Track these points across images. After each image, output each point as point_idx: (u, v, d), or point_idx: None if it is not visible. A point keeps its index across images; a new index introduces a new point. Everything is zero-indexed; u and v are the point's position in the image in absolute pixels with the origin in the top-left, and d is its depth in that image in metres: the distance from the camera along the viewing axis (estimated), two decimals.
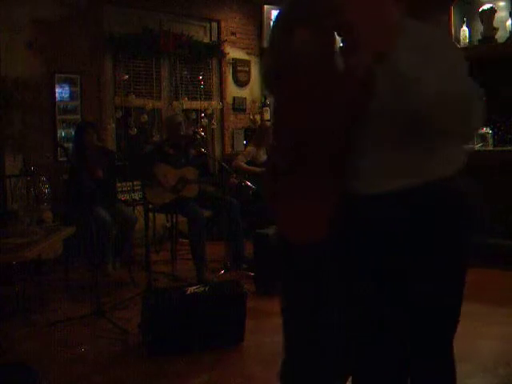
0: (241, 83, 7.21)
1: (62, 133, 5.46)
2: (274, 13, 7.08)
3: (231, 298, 3.25)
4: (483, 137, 5.17)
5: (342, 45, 1.48)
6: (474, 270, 4.84)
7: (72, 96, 5.53)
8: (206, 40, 6.85)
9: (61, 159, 5.27)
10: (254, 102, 7.34)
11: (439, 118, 1.33)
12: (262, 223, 4.56)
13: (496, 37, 5.45)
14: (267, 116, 7.06)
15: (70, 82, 5.50)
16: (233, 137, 7.15)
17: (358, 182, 1.45)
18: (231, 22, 7.05)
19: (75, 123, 5.40)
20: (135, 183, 5.71)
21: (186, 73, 6.64)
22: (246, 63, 7.24)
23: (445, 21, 5.48)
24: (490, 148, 5.13)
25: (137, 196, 5.72)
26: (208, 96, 6.89)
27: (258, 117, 7.23)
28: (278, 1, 6.55)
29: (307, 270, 1.57)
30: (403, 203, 1.42)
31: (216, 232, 5.63)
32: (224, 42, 6.91)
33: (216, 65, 6.97)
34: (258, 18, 7.24)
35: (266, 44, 6.90)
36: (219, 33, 6.94)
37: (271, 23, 6.53)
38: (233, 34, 7.06)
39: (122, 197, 5.53)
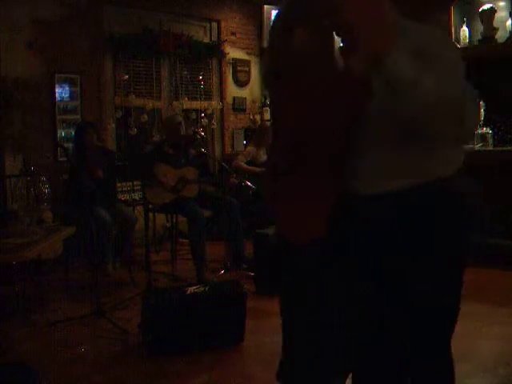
0: (241, 83, 7.21)
1: (62, 133, 5.46)
2: (274, 13, 7.07)
3: (231, 298, 3.25)
4: (483, 137, 5.17)
5: (341, 45, 1.48)
6: (474, 270, 4.84)
7: (72, 96, 5.53)
8: (206, 40, 6.85)
9: (61, 159, 5.27)
10: (254, 101, 7.34)
11: (435, 121, 1.34)
12: (262, 223, 4.56)
13: (496, 37, 5.45)
14: (267, 116, 7.06)
15: (70, 82, 5.50)
16: (233, 137, 7.15)
17: (357, 182, 1.45)
18: (231, 22, 7.05)
19: (75, 123, 5.40)
20: (135, 183, 5.71)
21: (185, 73, 6.64)
22: (246, 63, 7.24)
23: (444, 21, 5.49)
24: (490, 148, 5.12)
25: (137, 196, 5.72)
26: (208, 96, 6.89)
27: (257, 117, 7.23)
28: (277, 1, 6.54)
29: (306, 269, 1.57)
30: (402, 203, 1.42)
31: (216, 232, 5.63)
32: (224, 42, 6.91)
33: (216, 65, 6.97)
34: (258, 18, 7.25)
35: (265, 44, 6.90)
36: (219, 33, 6.94)
37: (271, 23, 6.52)
38: (233, 34, 7.06)
39: (121, 197, 5.53)
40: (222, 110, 7.01)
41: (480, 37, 5.54)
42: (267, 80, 1.77)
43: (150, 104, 6.22)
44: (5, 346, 3.24)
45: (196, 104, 6.74)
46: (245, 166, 5.51)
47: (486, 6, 5.47)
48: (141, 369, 2.97)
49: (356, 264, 1.50)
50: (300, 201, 1.52)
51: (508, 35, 5.41)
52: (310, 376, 1.58)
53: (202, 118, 6.79)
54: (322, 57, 1.42)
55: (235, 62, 7.11)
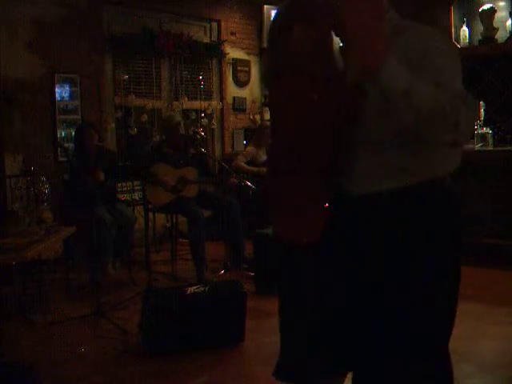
0: (241, 83, 7.21)
1: (62, 133, 5.46)
2: (274, 13, 7.07)
3: (231, 298, 3.25)
4: (483, 137, 5.17)
5: (341, 44, 1.49)
6: (474, 270, 4.85)
7: (72, 96, 5.53)
8: (206, 40, 6.85)
9: (61, 159, 5.27)
10: (253, 101, 7.34)
11: (428, 129, 1.35)
12: (262, 223, 4.56)
13: (496, 37, 5.45)
14: (267, 116, 7.06)
15: (70, 82, 5.50)
16: (233, 137, 7.15)
17: (351, 182, 1.46)
18: (231, 22, 7.05)
19: (75, 123, 5.41)
20: (135, 183, 5.72)
21: (185, 73, 6.64)
22: (246, 63, 7.24)
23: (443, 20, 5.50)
24: (490, 148, 5.12)
25: (137, 196, 5.73)
26: (208, 96, 6.89)
27: (257, 117, 7.24)
28: (278, 1, 6.55)
29: (303, 269, 1.58)
30: (395, 203, 1.43)
31: (216, 232, 5.63)
32: (224, 41, 6.91)
33: (216, 65, 6.97)
34: (258, 18, 7.25)
35: (265, 44, 6.90)
36: (219, 33, 6.94)
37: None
38: (233, 34, 7.06)
39: (121, 197, 5.53)
40: (221, 110, 7.02)
41: (480, 37, 5.55)
42: (267, 80, 1.77)
43: (150, 104, 6.23)
44: (5, 346, 3.24)
45: (196, 104, 6.74)
46: (245, 166, 5.51)
47: (486, 6, 5.47)
48: (141, 369, 2.98)
49: (350, 262, 1.50)
50: (294, 201, 1.52)
51: (508, 35, 5.41)
52: (307, 373, 1.58)
53: (202, 117, 6.79)
54: (320, 57, 1.42)
55: (235, 62, 7.11)
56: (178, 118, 5.10)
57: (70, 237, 3.85)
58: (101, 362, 3.07)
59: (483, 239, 4.74)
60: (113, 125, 5.97)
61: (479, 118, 5.35)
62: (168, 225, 5.67)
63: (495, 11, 5.43)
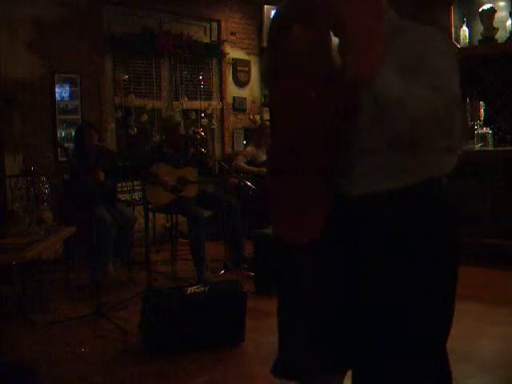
0: (241, 83, 7.21)
1: (62, 133, 5.46)
2: (273, 12, 7.08)
3: (231, 298, 3.25)
4: (483, 137, 5.18)
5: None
6: (474, 270, 4.85)
7: (72, 96, 5.53)
8: (206, 40, 6.85)
9: (61, 159, 5.27)
10: (253, 101, 7.34)
11: (423, 136, 1.36)
12: (262, 223, 4.56)
13: (496, 37, 5.45)
14: (267, 116, 7.07)
15: (70, 82, 5.50)
16: (233, 137, 7.15)
17: (351, 183, 1.47)
18: (231, 22, 7.05)
19: (75, 123, 5.41)
20: (135, 183, 5.72)
21: (185, 73, 6.64)
22: (246, 63, 7.24)
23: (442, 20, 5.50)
24: (490, 148, 5.13)
25: (137, 196, 5.73)
26: (208, 96, 6.89)
27: (257, 117, 7.24)
28: (277, 1, 6.55)
29: (303, 269, 1.58)
30: (394, 203, 1.44)
31: (216, 232, 5.63)
32: (224, 41, 6.91)
33: (216, 65, 6.97)
34: (258, 18, 7.25)
35: (265, 43, 6.91)
36: (219, 33, 6.94)
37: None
38: (233, 34, 7.06)
39: (121, 197, 5.53)
40: (221, 110, 7.02)
41: (480, 37, 5.54)
42: (266, 79, 1.77)
43: (149, 104, 6.23)
44: (5, 346, 3.24)
45: (196, 104, 6.74)
46: (245, 166, 5.51)
47: (486, 6, 5.47)
48: (141, 369, 2.98)
49: (349, 262, 1.51)
50: (293, 201, 1.53)
51: (508, 35, 5.41)
52: (303, 369, 1.59)
53: (202, 117, 6.79)
54: (319, 57, 1.42)
55: (235, 62, 7.11)
56: (178, 118, 5.09)
57: (70, 237, 3.85)
58: (101, 361, 3.07)
59: (483, 239, 4.74)
60: (113, 125, 5.97)
61: (479, 118, 5.35)
62: (168, 225, 5.67)
63: (495, 11, 5.43)
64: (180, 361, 3.03)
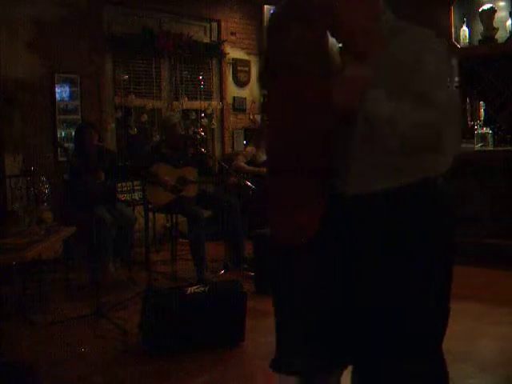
0: (241, 83, 7.21)
1: (62, 133, 5.46)
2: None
3: (231, 298, 3.25)
4: (483, 137, 5.18)
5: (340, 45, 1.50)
6: (474, 270, 4.84)
7: (72, 96, 5.53)
8: (206, 40, 6.85)
9: (61, 159, 5.27)
10: (253, 102, 7.34)
11: (415, 148, 1.37)
12: (262, 223, 4.55)
13: (496, 37, 5.45)
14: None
15: (70, 82, 5.50)
16: (233, 137, 7.15)
17: (346, 183, 1.47)
18: (231, 22, 7.05)
19: (75, 123, 5.41)
20: (135, 183, 5.72)
21: (185, 73, 6.65)
22: (246, 63, 7.25)
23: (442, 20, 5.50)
24: (490, 148, 5.13)
25: (137, 196, 5.73)
26: (208, 96, 6.89)
27: (257, 117, 7.24)
28: (277, 1, 6.55)
29: (299, 269, 1.58)
30: (390, 203, 1.45)
31: (216, 232, 5.63)
32: (224, 41, 6.91)
33: (216, 65, 6.97)
34: (258, 18, 7.25)
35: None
36: (219, 33, 6.94)
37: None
38: (233, 34, 7.06)
39: (122, 197, 5.53)
40: (221, 110, 7.02)
41: (480, 37, 5.54)
42: (263, 79, 1.78)
43: (150, 104, 6.23)
44: (5, 346, 3.24)
45: (196, 104, 6.74)
46: (245, 166, 5.51)
47: (486, 6, 5.47)
48: (141, 369, 2.98)
49: (345, 262, 1.51)
50: (289, 201, 1.53)
51: (508, 35, 5.41)
52: (300, 366, 1.59)
53: (202, 117, 6.79)
54: (317, 57, 1.43)
55: (235, 62, 7.11)
56: (176, 118, 5.07)
57: (69, 237, 3.85)
58: (101, 361, 3.07)
59: (483, 239, 4.74)
60: (113, 125, 5.98)
61: (479, 118, 5.35)
62: (168, 225, 5.67)
63: (495, 11, 5.43)
64: (180, 361, 3.03)
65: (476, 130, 5.24)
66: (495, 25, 5.45)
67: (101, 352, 3.19)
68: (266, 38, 1.63)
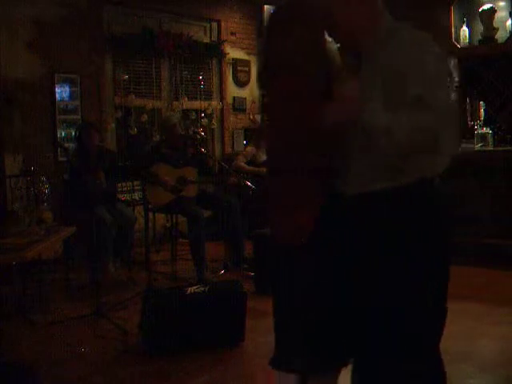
0: (241, 83, 7.21)
1: (62, 133, 5.46)
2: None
3: (231, 298, 3.25)
4: (483, 137, 5.18)
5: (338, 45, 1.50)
6: (474, 270, 4.83)
7: (72, 96, 5.53)
8: (206, 40, 6.85)
9: (61, 159, 5.27)
10: (253, 102, 7.34)
11: (411, 152, 1.38)
12: (262, 223, 4.55)
13: (496, 37, 5.45)
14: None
15: (70, 82, 5.50)
16: (233, 137, 7.15)
17: (346, 183, 1.48)
18: (231, 22, 7.05)
19: (75, 123, 5.41)
20: (135, 183, 5.72)
21: (185, 73, 6.64)
22: (246, 63, 7.24)
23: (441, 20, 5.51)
24: (490, 148, 5.13)
25: (137, 196, 5.73)
26: (208, 96, 6.89)
27: (258, 117, 7.24)
28: (277, 1, 6.55)
29: (299, 269, 1.58)
30: (389, 203, 1.45)
31: (216, 232, 5.63)
32: (224, 41, 6.91)
33: (216, 65, 6.97)
34: (258, 18, 7.24)
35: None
36: (219, 33, 6.94)
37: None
38: (233, 34, 7.06)
39: (122, 197, 5.53)
40: (221, 110, 7.01)
41: (480, 37, 5.54)
42: (262, 79, 1.78)
43: (150, 104, 6.23)
44: (5, 346, 3.24)
45: (196, 104, 6.74)
46: (245, 166, 5.51)
47: (486, 6, 5.47)
48: (141, 369, 2.98)
49: (345, 262, 1.51)
50: (288, 201, 1.53)
51: (508, 35, 5.41)
52: (300, 363, 1.59)
53: (202, 117, 6.79)
54: (316, 57, 1.43)
55: (235, 62, 7.11)
56: (176, 118, 5.07)
57: (69, 237, 3.85)
58: (101, 361, 3.07)
59: (483, 239, 4.74)
60: (113, 125, 5.97)
61: (479, 118, 5.36)
62: (168, 225, 5.67)
63: (495, 11, 5.43)
64: (180, 361, 3.03)
65: (476, 130, 5.24)
66: (495, 25, 5.45)
67: (101, 352, 3.19)
68: (265, 38, 1.64)
